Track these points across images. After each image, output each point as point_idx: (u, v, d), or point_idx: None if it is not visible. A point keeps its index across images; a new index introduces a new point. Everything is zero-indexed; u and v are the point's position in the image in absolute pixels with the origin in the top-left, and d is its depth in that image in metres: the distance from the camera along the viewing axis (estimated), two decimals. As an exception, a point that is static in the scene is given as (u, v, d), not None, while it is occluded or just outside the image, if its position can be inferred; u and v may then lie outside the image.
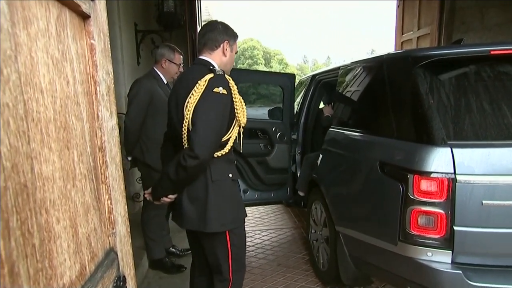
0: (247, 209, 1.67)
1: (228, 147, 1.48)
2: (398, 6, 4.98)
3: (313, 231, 2.70)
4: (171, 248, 2.80)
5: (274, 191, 3.10)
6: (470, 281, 1.46)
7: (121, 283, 0.68)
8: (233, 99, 1.45)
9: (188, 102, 1.39)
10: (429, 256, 1.54)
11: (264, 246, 3.18)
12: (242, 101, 1.51)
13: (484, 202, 1.47)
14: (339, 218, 2.17)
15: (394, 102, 1.83)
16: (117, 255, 0.69)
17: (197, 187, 1.47)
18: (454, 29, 4.12)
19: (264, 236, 3.42)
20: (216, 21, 1.59)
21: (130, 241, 0.78)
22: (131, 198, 3.34)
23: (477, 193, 1.48)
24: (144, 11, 4.17)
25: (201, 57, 1.54)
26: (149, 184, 2.46)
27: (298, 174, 3.33)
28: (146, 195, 1.62)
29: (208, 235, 1.50)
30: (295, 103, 3.55)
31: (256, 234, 3.45)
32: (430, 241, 1.53)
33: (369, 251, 1.87)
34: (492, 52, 1.59)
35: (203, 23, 5.94)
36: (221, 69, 1.48)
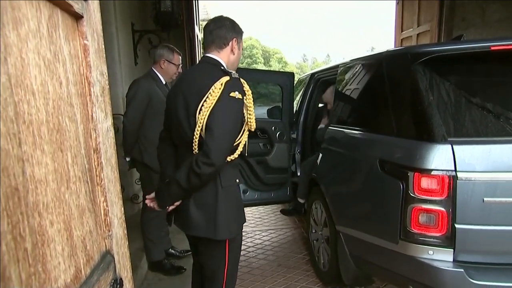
0: (247, 209, 1.65)
1: (238, 152, 1.44)
2: (397, 4, 4.97)
3: (313, 231, 2.69)
4: (170, 250, 2.80)
5: (274, 191, 3.08)
6: (472, 279, 1.45)
7: (118, 286, 0.67)
8: (247, 104, 1.40)
9: (202, 105, 1.32)
10: (431, 255, 1.53)
11: (265, 247, 3.17)
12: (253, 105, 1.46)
13: (485, 199, 1.46)
14: (339, 217, 2.16)
15: (393, 100, 1.82)
16: (113, 257, 0.68)
17: (206, 193, 1.41)
18: (454, 25, 4.10)
19: (264, 236, 3.41)
20: (222, 16, 1.51)
21: (127, 243, 0.78)
22: (130, 199, 3.33)
23: (478, 190, 1.47)
24: (141, 10, 4.15)
25: (209, 55, 1.47)
26: (148, 185, 2.46)
27: (298, 174, 3.32)
28: (148, 202, 1.55)
29: (211, 241, 1.46)
30: (295, 102, 3.55)
31: (256, 235, 3.44)
32: (431, 240, 1.52)
33: (370, 250, 1.86)
34: (492, 48, 1.57)
35: (201, 23, 5.93)
36: (232, 70, 1.43)
